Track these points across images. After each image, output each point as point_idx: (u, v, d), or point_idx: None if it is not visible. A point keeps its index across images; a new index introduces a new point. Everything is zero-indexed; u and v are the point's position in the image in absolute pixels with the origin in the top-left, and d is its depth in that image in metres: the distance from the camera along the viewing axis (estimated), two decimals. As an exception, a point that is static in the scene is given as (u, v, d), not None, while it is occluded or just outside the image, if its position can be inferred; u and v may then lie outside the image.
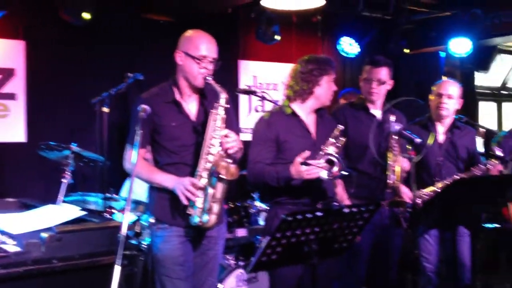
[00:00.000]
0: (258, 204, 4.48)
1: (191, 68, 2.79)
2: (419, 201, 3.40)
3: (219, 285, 3.77)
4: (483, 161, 3.73)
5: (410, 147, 3.17)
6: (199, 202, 2.70)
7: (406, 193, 3.44)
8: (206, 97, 2.90)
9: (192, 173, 2.77)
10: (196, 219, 2.70)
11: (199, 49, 2.77)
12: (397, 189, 3.31)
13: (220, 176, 2.69)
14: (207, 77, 2.78)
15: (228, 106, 2.79)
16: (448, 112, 3.84)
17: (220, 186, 2.72)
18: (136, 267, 3.72)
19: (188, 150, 2.82)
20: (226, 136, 2.73)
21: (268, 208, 4.24)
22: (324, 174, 2.93)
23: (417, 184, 3.36)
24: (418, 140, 3.19)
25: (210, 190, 2.71)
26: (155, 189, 2.86)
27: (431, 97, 3.89)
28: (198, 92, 2.89)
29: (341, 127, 3.10)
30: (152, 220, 2.88)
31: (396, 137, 3.38)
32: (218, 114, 2.76)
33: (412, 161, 3.11)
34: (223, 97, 2.77)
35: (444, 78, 4.13)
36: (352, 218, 2.53)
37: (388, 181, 3.36)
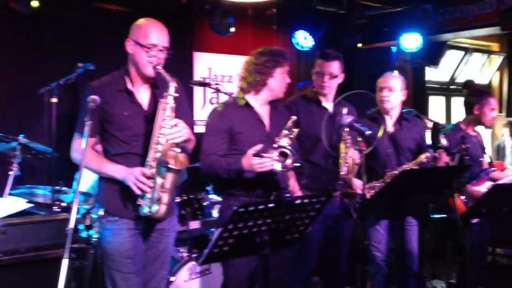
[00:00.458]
0: (211, 196, 4.47)
1: (140, 56, 2.76)
2: (369, 192, 3.47)
3: (171, 278, 3.75)
4: (431, 151, 3.83)
5: (361, 139, 3.23)
6: (149, 192, 2.66)
7: (357, 185, 3.51)
8: (158, 86, 2.87)
9: (143, 163, 2.73)
10: (145, 210, 2.67)
11: (148, 37, 2.74)
12: (349, 180, 3.37)
13: (169, 165, 2.66)
14: (157, 66, 2.74)
15: (177, 95, 2.75)
16: (391, 104, 3.92)
17: (169, 176, 2.69)
18: (86, 260, 3.66)
19: (139, 140, 2.79)
20: (175, 125, 2.71)
21: (221, 200, 4.27)
22: (277, 167, 2.94)
23: (368, 176, 3.42)
24: (368, 132, 3.25)
25: (159, 180, 2.67)
26: (104, 180, 2.81)
27: (377, 91, 3.98)
28: (150, 82, 2.86)
29: (294, 118, 3.13)
30: (101, 212, 2.83)
31: (347, 130, 3.43)
32: (167, 104, 2.73)
33: (363, 153, 3.16)
34: (172, 86, 2.74)
35: (395, 72, 4.20)
36: (303, 209, 2.56)
37: (340, 172, 3.41)
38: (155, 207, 2.67)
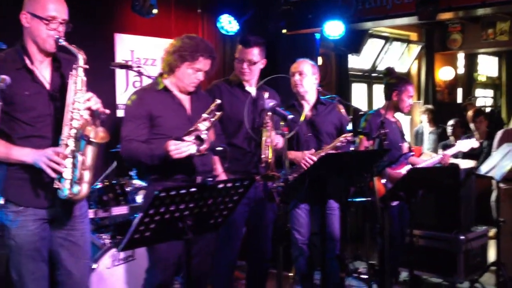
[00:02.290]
0: (135, 181, 4.39)
1: (39, 30, 2.59)
2: (290, 176, 3.52)
3: (93, 265, 3.65)
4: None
5: (283, 123, 3.27)
6: (67, 173, 2.52)
7: (302, 155, 3.55)
8: (59, 61, 2.71)
9: (50, 146, 2.58)
10: (65, 192, 2.53)
11: (46, 9, 2.58)
12: (270, 164, 3.41)
13: (90, 139, 2.54)
14: (60, 39, 2.59)
15: (87, 66, 2.62)
16: (303, 88, 4.02)
17: (89, 151, 2.57)
18: (2, 249, 3.48)
19: (45, 121, 2.62)
20: (88, 99, 2.58)
21: (146, 185, 4.19)
22: (193, 149, 2.91)
23: (289, 160, 3.47)
24: (290, 116, 3.29)
25: (80, 157, 2.54)
26: (4, 166, 2.60)
27: (291, 77, 4.07)
28: (50, 56, 2.69)
29: (218, 101, 3.11)
30: (1, 201, 2.63)
31: (270, 114, 3.46)
32: (78, 76, 2.59)
33: (285, 137, 3.20)
34: (81, 58, 2.60)
35: (319, 59, 4.28)
36: (227, 194, 2.56)
37: (261, 156, 3.44)
38: (76, 188, 2.55)
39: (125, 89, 5.70)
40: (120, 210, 4.14)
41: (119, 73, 5.62)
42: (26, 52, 2.65)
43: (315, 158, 3.64)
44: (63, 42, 2.60)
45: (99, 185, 4.09)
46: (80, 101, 2.57)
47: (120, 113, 5.53)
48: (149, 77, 3.96)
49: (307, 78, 4.00)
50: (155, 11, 5.36)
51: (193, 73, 3.11)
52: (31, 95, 2.60)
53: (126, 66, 4.24)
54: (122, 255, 3.83)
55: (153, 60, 5.90)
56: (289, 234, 4.00)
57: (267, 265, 3.83)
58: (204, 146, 2.91)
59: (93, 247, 3.73)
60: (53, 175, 2.52)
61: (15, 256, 2.62)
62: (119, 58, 5.58)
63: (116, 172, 4.33)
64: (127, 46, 5.70)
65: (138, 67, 3.98)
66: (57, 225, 2.71)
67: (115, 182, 4.20)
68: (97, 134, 2.57)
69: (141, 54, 5.80)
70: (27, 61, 2.64)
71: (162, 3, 5.57)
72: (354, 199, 4.66)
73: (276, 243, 3.52)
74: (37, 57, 2.66)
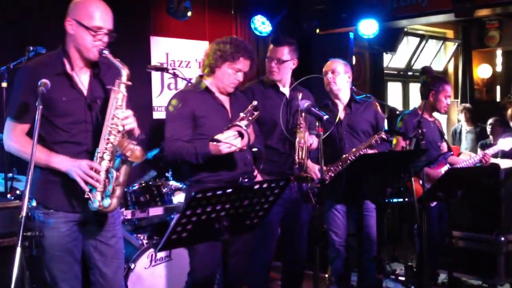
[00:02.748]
0: (171, 182, 4.43)
1: (84, 40, 2.57)
2: (327, 176, 3.50)
3: (131, 265, 3.71)
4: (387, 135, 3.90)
5: (318, 124, 3.25)
6: (99, 186, 2.53)
7: (312, 169, 3.54)
8: (99, 68, 2.70)
9: (85, 152, 2.60)
10: (95, 204, 2.53)
11: (93, 18, 2.55)
12: (304, 164, 3.39)
13: (126, 159, 2.55)
14: (104, 51, 2.57)
15: (130, 83, 2.61)
16: (336, 86, 3.98)
17: (124, 169, 2.58)
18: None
19: (80, 128, 2.62)
20: (127, 117, 2.57)
21: (183, 186, 4.24)
22: (239, 143, 2.93)
23: (325, 160, 3.44)
24: (326, 116, 3.27)
25: (114, 173, 2.54)
26: (38, 170, 2.59)
27: (324, 77, 4.04)
28: (90, 64, 2.68)
29: (255, 102, 3.12)
30: (34, 203, 2.63)
31: (304, 114, 3.45)
32: (120, 92, 2.58)
33: (320, 138, 3.18)
34: (124, 74, 2.58)
35: (354, 58, 4.25)
36: (262, 195, 2.55)
37: (295, 157, 3.43)
38: (107, 201, 2.55)
39: (160, 91, 5.78)
40: (156, 211, 4.19)
41: (155, 76, 5.70)
42: (68, 57, 2.64)
43: (319, 174, 3.46)
44: (107, 54, 2.58)
45: (136, 186, 4.14)
46: (119, 117, 2.56)
47: (156, 115, 5.61)
48: (184, 79, 3.99)
49: (339, 76, 3.97)
50: (189, 13, 5.42)
51: (233, 74, 3.14)
52: (69, 101, 2.60)
53: (162, 69, 4.29)
54: (159, 255, 3.87)
55: (187, 62, 5.96)
56: (325, 235, 3.97)
57: (302, 266, 3.81)
58: (245, 141, 2.92)
59: (131, 248, 3.80)
60: (86, 188, 2.52)
61: (47, 257, 2.64)
62: (155, 60, 5.66)
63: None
64: (162, 48, 5.77)
65: (173, 69, 4.01)
66: (89, 227, 2.71)
67: (151, 183, 4.25)
68: (133, 153, 2.57)
69: (175, 56, 5.87)
70: (67, 67, 2.63)
71: (196, 5, 5.63)
72: (391, 200, 4.59)
73: (312, 244, 3.50)
74: (77, 63, 2.65)
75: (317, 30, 6.30)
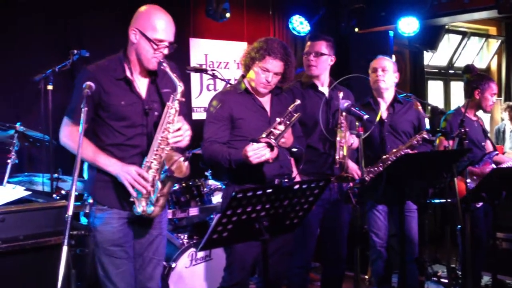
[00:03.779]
0: (211, 182, 4.47)
1: (145, 50, 2.65)
2: (367, 176, 3.46)
3: (172, 264, 3.76)
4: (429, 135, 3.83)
5: (358, 124, 3.22)
6: (145, 193, 2.62)
7: (353, 169, 3.51)
8: (157, 75, 2.79)
9: (139, 155, 2.68)
10: (139, 209, 2.62)
11: (157, 31, 2.62)
12: (344, 164, 3.36)
13: (172, 175, 2.62)
14: (163, 64, 2.64)
15: (184, 99, 2.67)
16: (385, 84, 3.93)
17: (168, 182, 2.66)
18: (86, 248, 3.66)
19: (136, 131, 2.71)
20: (178, 129, 2.64)
21: (222, 186, 4.27)
22: (268, 154, 2.93)
23: (365, 160, 3.41)
24: (366, 116, 3.24)
25: (159, 184, 2.63)
26: (94, 170, 2.71)
27: (370, 73, 3.97)
28: (149, 70, 2.77)
29: (298, 101, 3.11)
30: (90, 200, 2.76)
31: (344, 114, 3.42)
32: (173, 108, 2.64)
33: (361, 137, 3.15)
34: (179, 90, 2.65)
35: (394, 56, 4.20)
36: (302, 195, 2.55)
37: (336, 157, 3.41)
38: (151, 208, 2.64)
39: (199, 92, 5.84)
40: (196, 211, 4.23)
41: (194, 77, 5.76)
42: (128, 63, 2.73)
43: (359, 174, 3.40)
44: (166, 67, 2.65)
45: (176, 186, 4.20)
46: (170, 130, 2.63)
47: (195, 116, 5.66)
48: (223, 80, 4.03)
49: (388, 74, 3.92)
50: (227, 15, 5.46)
51: (262, 73, 3.13)
52: (127, 105, 2.68)
53: (201, 70, 4.32)
54: (199, 254, 3.91)
55: (226, 63, 6.00)
56: (366, 236, 3.93)
57: (343, 266, 3.79)
58: (275, 153, 2.91)
59: (171, 247, 3.86)
60: (133, 193, 2.61)
61: (100, 252, 2.73)
62: (194, 62, 5.73)
63: (192, 173, 4.44)
64: (201, 50, 5.83)
65: (213, 70, 4.04)
66: (138, 225, 2.79)
67: (191, 183, 4.30)
68: (179, 169, 2.64)
69: (214, 57, 5.92)
70: (127, 72, 2.72)
71: (234, 7, 5.66)
72: (433, 200, 4.51)
73: (352, 245, 3.47)
74: (137, 69, 2.74)
75: (356, 29, 6.24)
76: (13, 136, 3.79)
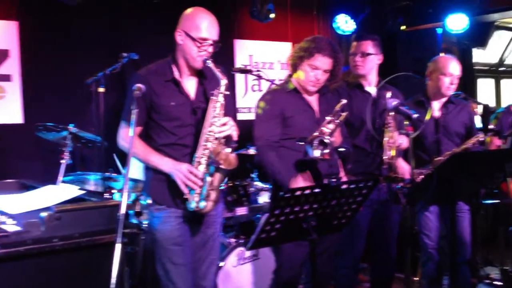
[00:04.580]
0: (257, 183, 4.50)
1: (190, 49, 2.73)
2: (417, 177, 3.40)
3: (220, 263, 3.80)
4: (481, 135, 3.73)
5: (407, 123, 3.16)
6: (197, 189, 2.68)
7: (403, 168, 3.45)
8: (205, 77, 2.85)
9: (189, 154, 2.74)
10: (192, 205, 2.68)
11: (200, 30, 2.69)
12: (393, 165, 3.32)
13: (219, 166, 2.66)
14: (207, 61, 2.71)
15: (228, 93, 2.73)
16: (452, 91, 3.83)
17: (218, 175, 2.70)
18: (137, 246, 3.74)
19: (187, 131, 2.78)
20: (224, 124, 2.69)
21: (269, 186, 4.28)
22: (316, 154, 2.93)
23: (415, 162, 3.35)
24: (415, 115, 3.17)
25: (208, 178, 2.68)
26: (151, 170, 2.82)
27: (435, 74, 3.84)
28: (197, 72, 2.85)
29: (344, 101, 3.10)
30: (149, 201, 2.86)
31: (392, 113, 3.37)
32: (218, 101, 2.71)
33: (410, 137, 3.10)
34: (223, 84, 2.71)
35: (442, 54, 4.10)
36: (350, 195, 2.53)
37: (384, 157, 3.37)
38: (202, 204, 2.69)
39: (244, 93, 5.88)
40: (243, 211, 4.27)
41: (239, 78, 5.81)
42: (177, 65, 2.81)
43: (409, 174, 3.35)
44: (210, 64, 2.72)
45: (223, 186, 4.24)
46: (216, 125, 2.69)
47: (240, 116, 5.70)
48: (268, 80, 4.04)
49: (456, 80, 3.81)
50: (272, 15, 5.48)
51: (311, 71, 3.14)
52: (177, 105, 2.76)
53: (246, 71, 4.35)
54: (247, 254, 3.93)
55: (270, 63, 6.02)
56: (416, 237, 3.86)
57: (392, 268, 3.73)
58: (328, 151, 2.91)
59: (220, 246, 3.89)
60: (185, 190, 2.68)
61: (160, 251, 2.80)
62: (239, 63, 5.78)
63: (238, 173, 4.48)
64: (246, 51, 5.87)
65: (258, 71, 4.07)
66: (194, 224, 2.86)
67: (238, 183, 4.33)
68: (226, 161, 2.68)
69: (259, 58, 5.95)
70: (176, 74, 2.80)
71: (279, 7, 5.67)
72: (485, 201, 4.40)
73: (403, 246, 3.41)
74: (185, 70, 2.82)
75: (402, 27, 6.15)
76: (66, 137, 3.91)
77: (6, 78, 4.62)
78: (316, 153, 2.92)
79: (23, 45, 4.65)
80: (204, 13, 2.76)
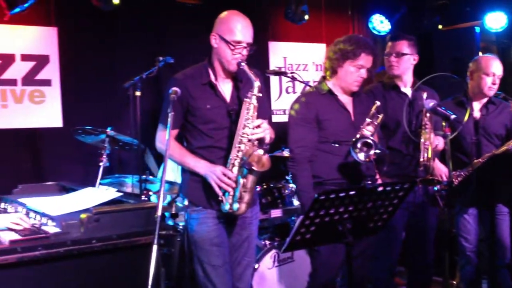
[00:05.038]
0: (291, 185, 4.49)
1: (225, 52, 2.76)
2: (455, 180, 3.34)
3: (255, 265, 3.80)
4: None
5: (444, 124, 3.11)
6: (231, 191, 2.70)
7: (441, 170, 3.39)
8: (240, 80, 2.88)
9: (225, 156, 2.77)
10: (226, 207, 2.71)
11: (234, 33, 2.72)
12: (430, 167, 3.26)
13: (252, 168, 2.67)
14: (242, 63, 2.74)
15: (261, 95, 2.75)
16: (495, 91, 3.75)
17: (251, 177, 2.71)
18: (173, 247, 3.78)
19: (222, 134, 2.81)
20: (258, 126, 2.70)
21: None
22: (361, 157, 2.91)
23: (453, 164, 3.29)
24: (453, 116, 3.11)
25: (241, 180, 2.70)
26: (187, 172, 2.86)
27: (476, 74, 3.76)
28: (232, 75, 2.87)
29: (378, 103, 3.07)
30: (186, 202, 2.90)
31: (429, 114, 3.32)
32: (251, 103, 2.72)
33: (447, 138, 3.04)
34: (256, 85, 2.72)
35: (480, 53, 4.01)
36: (386, 197, 2.51)
37: (420, 159, 3.32)
38: (236, 205, 2.71)
39: (278, 95, 5.88)
40: (277, 213, 4.26)
41: (273, 80, 5.81)
42: (213, 68, 2.85)
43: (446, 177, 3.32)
44: (244, 66, 2.74)
45: (258, 188, 4.24)
46: (249, 127, 2.71)
47: (275, 118, 5.71)
48: (302, 82, 4.03)
49: (499, 79, 3.73)
50: (306, 17, 5.47)
51: (355, 71, 3.12)
52: (212, 108, 2.80)
53: (281, 73, 4.36)
54: (282, 256, 3.93)
55: (305, 65, 6.01)
56: (454, 240, 3.79)
57: (429, 271, 3.67)
58: (373, 151, 2.89)
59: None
60: (219, 192, 2.70)
61: (198, 252, 2.83)
62: (273, 65, 5.78)
63: (273, 175, 4.48)
64: (280, 53, 5.87)
65: (292, 73, 4.06)
66: (230, 226, 2.88)
67: (272, 185, 4.33)
68: (259, 162, 2.69)
69: (293, 60, 5.94)
70: (212, 77, 2.84)
71: (313, 8, 5.65)
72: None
73: (441, 249, 3.36)
74: (221, 74, 2.85)
75: (439, 26, 6.04)
76: (104, 140, 3.99)
77: (46, 83, 4.74)
78: (361, 156, 2.91)
79: (62, 50, 4.77)
80: (238, 16, 2.78)
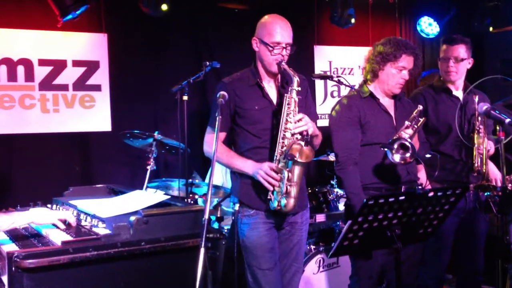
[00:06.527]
0: (336, 189, 4.45)
1: (265, 54, 2.81)
2: (509, 184, 3.23)
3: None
4: None
5: (499, 128, 3.01)
6: (278, 186, 2.70)
7: (495, 175, 3.28)
8: (286, 82, 2.89)
9: (271, 156, 2.78)
10: (274, 203, 2.71)
11: (272, 35, 2.78)
12: (484, 173, 3.16)
13: (294, 159, 2.66)
14: (282, 63, 2.77)
15: (300, 89, 2.76)
16: None
17: (296, 169, 2.69)
18: (218, 251, 3.80)
19: (268, 134, 2.83)
20: (299, 120, 2.71)
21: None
22: (396, 158, 2.86)
23: (508, 168, 3.18)
24: (508, 120, 3.01)
25: (286, 174, 2.69)
26: (237, 174, 2.89)
27: None
28: (276, 77, 2.91)
29: (420, 107, 3.02)
30: (236, 207, 2.89)
31: (481, 118, 3.23)
32: (292, 98, 2.75)
33: (502, 143, 2.95)
34: (295, 81, 2.75)
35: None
36: (437, 203, 2.45)
37: (474, 164, 3.23)
38: (283, 201, 2.70)
39: (323, 99, 5.85)
40: (322, 218, 4.23)
41: (318, 84, 5.79)
42: (258, 72, 2.90)
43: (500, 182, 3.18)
44: (284, 65, 2.78)
45: (309, 190, 4.21)
46: (291, 121, 2.73)
47: (319, 123, 5.67)
48: (348, 86, 3.99)
49: None
50: (353, 20, 5.42)
51: (397, 73, 3.08)
52: (260, 109, 2.84)
53: (326, 77, 4.31)
54: (327, 261, 3.90)
55: (350, 69, 5.95)
56: (507, 248, 3.67)
57: (479, 279, 3.57)
58: (409, 154, 2.84)
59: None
60: (269, 187, 2.71)
61: (249, 257, 2.84)
62: (318, 69, 5.75)
63: (318, 180, 4.45)
64: (326, 57, 5.84)
65: (338, 76, 4.02)
66: (278, 230, 2.88)
67: (317, 189, 4.30)
68: (302, 154, 2.68)
69: (338, 64, 5.90)
70: (258, 79, 2.88)
71: (359, 11, 5.60)
72: None
73: (492, 257, 3.25)
74: (265, 76, 2.90)
75: (490, 29, 5.88)
76: (152, 144, 4.06)
77: (96, 88, 4.87)
78: (396, 157, 2.86)
79: (112, 56, 4.89)
80: (276, 19, 2.83)
